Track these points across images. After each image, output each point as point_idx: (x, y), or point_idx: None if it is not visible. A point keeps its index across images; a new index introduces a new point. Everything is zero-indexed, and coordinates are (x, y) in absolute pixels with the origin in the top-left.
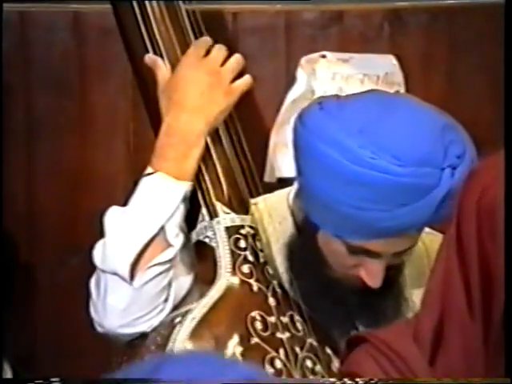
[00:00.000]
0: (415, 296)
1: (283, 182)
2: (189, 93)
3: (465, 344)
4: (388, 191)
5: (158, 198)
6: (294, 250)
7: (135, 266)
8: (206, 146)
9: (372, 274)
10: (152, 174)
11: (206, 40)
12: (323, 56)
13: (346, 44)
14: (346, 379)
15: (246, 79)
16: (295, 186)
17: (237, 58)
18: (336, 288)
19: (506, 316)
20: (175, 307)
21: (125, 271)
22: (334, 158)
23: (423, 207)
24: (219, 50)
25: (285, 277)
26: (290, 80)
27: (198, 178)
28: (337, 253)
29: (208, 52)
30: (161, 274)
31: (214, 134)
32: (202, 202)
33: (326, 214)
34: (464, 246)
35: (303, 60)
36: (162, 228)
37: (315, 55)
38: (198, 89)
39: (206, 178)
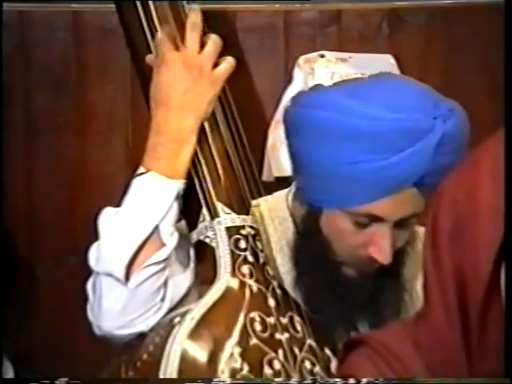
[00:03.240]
0: (415, 294)
1: (281, 181)
2: (172, 92)
3: (444, 347)
4: (383, 138)
5: (150, 197)
6: (299, 246)
7: (130, 266)
8: (207, 145)
9: (381, 249)
10: (144, 173)
11: (171, 32)
12: (322, 55)
13: (345, 43)
14: (350, 379)
15: (228, 61)
16: (293, 186)
17: (213, 41)
18: (340, 282)
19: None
20: (174, 307)
21: (120, 272)
22: (327, 117)
23: (419, 152)
24: (192, 35)
25: (285, 277)
26: (289, 79)
27: (198, 178)
28: (343, 233)
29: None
30: (156, 273)
31: (216, 133)
32: (202, 202)
33: (327, 186)
34: (438, 243)
35: (301, 59)
36: (156, 228)
37: (314, 55)
38: (180, 86)
39: (207, 177)
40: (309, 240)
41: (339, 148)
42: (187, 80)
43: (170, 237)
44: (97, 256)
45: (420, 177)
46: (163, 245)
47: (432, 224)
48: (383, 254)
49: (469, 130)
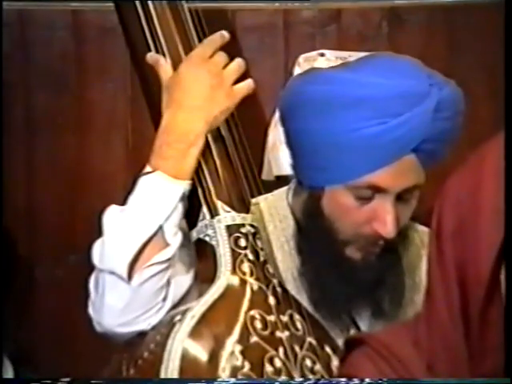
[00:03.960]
0: (418, 278)
1: (281, 180)
2: (189, 91)
3: (446, 347)
4: (380, 103)
5: (156, 197)
6: (302, 235)
7: (133, 265)
8: (207, 144)
9: (385, 222)
10: (150, 173)
11: (215, 41)
12: (322, 54)
13: (345, 42)
14: (354, 379)
15: (248, 83)
16: (293, 183)
17: (238, 62)
18: (345, 265)
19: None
20: (175, 305)
21: (122, 270)
22: (322, 89)
23: (417, 117)
24: (221, 55)
25: (285, 275)
26: (289, 78)
27: (198, 176)
28: (346, 209)
29: (212, 55)
30: (159, 273)
31: (215, 132)
32: (202, 200)
33: (328, 162)
34: (441, 242)
35: (301, 58)
36: (160, 227)
37: (314, 53)
38: (199, 88)
39: (207, 176)
40: (311, 224)
41: (336, 118)
42: (207, 84)
43: (174, 237)
44: (100, 253)
45: (419, 143)
46: (167, 245)
47: (436, 223)
48: (387, 228)
49: (463, 102)
